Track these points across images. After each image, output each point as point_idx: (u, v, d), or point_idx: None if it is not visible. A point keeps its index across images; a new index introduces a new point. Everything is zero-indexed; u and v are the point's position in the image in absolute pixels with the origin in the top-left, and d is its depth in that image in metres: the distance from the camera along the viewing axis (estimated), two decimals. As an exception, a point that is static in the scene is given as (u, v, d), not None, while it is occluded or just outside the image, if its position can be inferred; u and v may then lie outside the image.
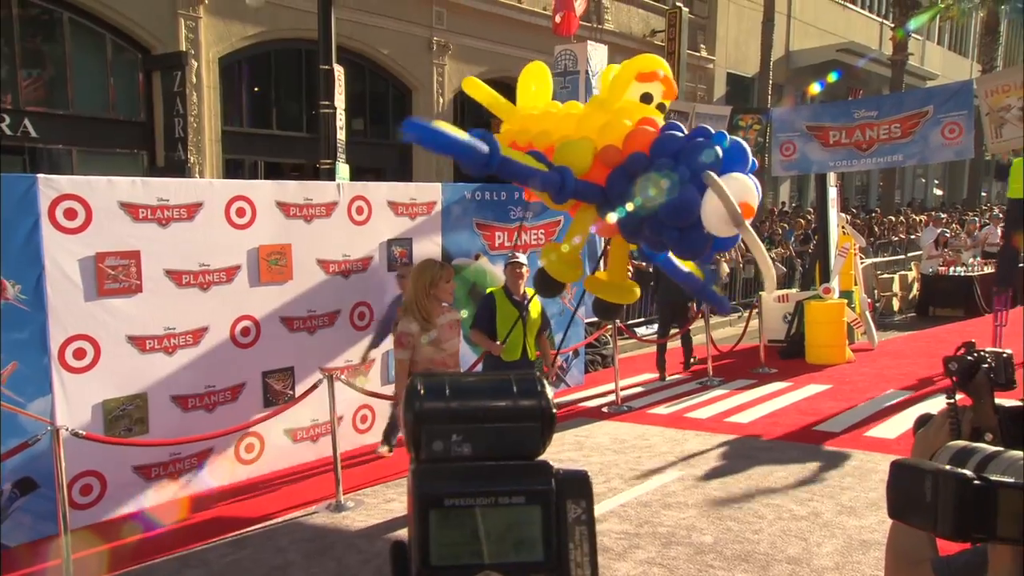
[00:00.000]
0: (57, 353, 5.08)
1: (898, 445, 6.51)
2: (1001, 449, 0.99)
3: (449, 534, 0.75)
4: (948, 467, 0.91)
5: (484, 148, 4.08)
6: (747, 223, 4.16)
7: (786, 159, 10.36)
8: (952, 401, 1.27)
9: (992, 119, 8.88)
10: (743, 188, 4.21)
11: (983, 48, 28.73)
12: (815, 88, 18.48)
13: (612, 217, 4.51)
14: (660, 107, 4.95)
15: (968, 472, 0.89)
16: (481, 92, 5.99)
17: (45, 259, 4.98)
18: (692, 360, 9.91)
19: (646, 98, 4.87)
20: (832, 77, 20.77)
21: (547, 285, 5.29)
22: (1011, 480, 0.87)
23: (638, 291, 5.42)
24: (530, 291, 5.93)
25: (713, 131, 4.54)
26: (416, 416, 0.79)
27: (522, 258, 6.15)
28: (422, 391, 0.80)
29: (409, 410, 0.79)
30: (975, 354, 1.31)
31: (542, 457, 0.82)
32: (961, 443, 1.04)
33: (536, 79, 5.60)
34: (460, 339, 5.07)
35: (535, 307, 5.99)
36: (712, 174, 4.14)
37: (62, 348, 5.10)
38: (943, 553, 1.27)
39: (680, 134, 4.59)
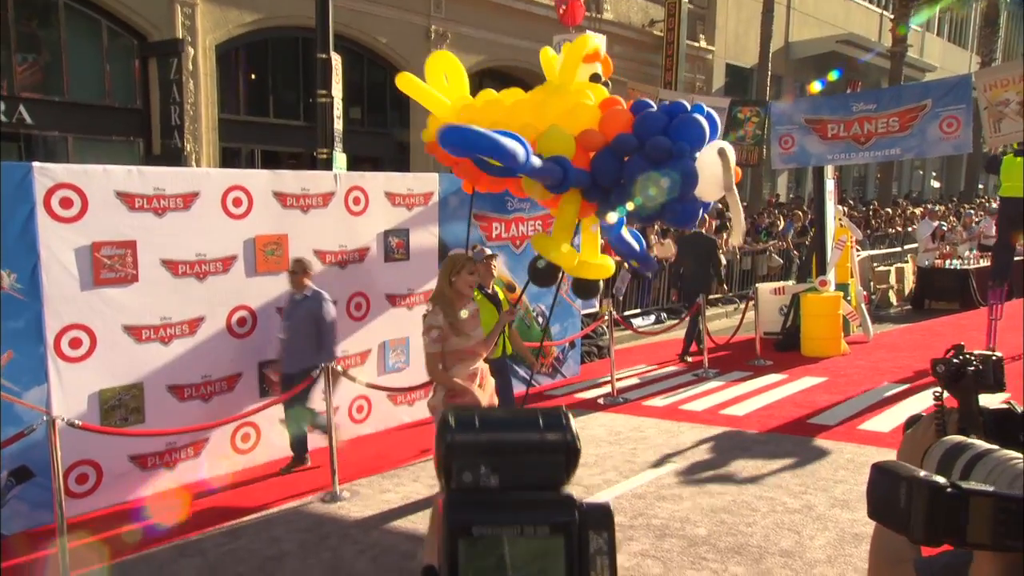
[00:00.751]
0: (53, 342, 5.08)
1: (892, 438, 6.54)
2: (994, 447, 1.00)
3: (476, 562, 0.78)
4: (923, 474, 0.93)
5: (522, 150, 4.13)
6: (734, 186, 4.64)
7: (785, 152, 10.36)
8: (939, 403, 1.28)
9: (991, 113, 8.87)
10: (733, 155, 4.65)
11: (982, 40, 28.68)
12: (816, 87, 18.51)
13: (612, 217, 4.55)
14: (605, 85, 5.07)
15: (941, 480, 0.91)
16: (416, 89, 5.52)
17: (41, 248, 4.97)
18: (688, 358, 9.95)
19: (595, 78, 4.95)
20: (833, 76, 20.76)
21: (543, 276, 5.31)
22: (982, 488, 0.89)
23: (612, 266, 5.46)
24: (498, 287, 5.94)
25: (689, 105, 4.75)
26: (447, 448, 0.82)
27: (490, 251, 6.14)
28: (453, 424, 0.83)
29: (441, 442, 0.83)
30: (962, 356, 1.32)
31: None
32: (955, 439, 1.06)
33: (446, 68, 5.34)
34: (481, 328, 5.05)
35: (504, 302, 6.00)
36: (724, 145, 4.53)
37: (58, 337, 5.11)
38: (926, 554, 1.28)
39: (654, 109, 4.76)
